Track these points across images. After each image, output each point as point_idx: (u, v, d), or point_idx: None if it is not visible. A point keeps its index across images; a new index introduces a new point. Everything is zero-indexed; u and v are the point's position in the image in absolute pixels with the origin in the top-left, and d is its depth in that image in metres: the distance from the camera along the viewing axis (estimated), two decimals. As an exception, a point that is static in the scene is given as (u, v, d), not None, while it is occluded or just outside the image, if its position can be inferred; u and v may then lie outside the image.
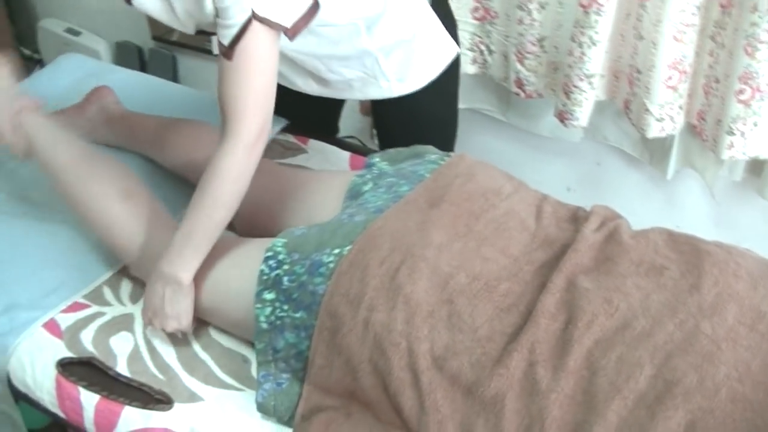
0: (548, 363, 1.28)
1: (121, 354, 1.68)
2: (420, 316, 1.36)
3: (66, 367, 1.66)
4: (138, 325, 1.74)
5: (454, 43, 2.03)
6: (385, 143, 2.12)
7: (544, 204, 1.61)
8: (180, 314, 1.64)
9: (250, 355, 1.67)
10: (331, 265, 1.45)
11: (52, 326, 1.72)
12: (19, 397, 1.71)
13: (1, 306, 1.76)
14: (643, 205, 2.69)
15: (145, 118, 2.16)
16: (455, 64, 2.04)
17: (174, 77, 3.50)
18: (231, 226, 1.83)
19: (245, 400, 1.59)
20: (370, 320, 1.38)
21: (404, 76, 1.94)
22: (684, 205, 2.67)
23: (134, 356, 1.67)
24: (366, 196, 1.68)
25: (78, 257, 1.88)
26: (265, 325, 1.50)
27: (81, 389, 1.62)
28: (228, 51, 1.50)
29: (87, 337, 1.71)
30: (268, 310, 1.50)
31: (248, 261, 1.58)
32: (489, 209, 1.55)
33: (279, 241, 1.55)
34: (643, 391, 1.22)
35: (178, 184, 2.03)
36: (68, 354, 1.67)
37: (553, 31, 2.40)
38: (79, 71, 2.56)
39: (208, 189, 1.58)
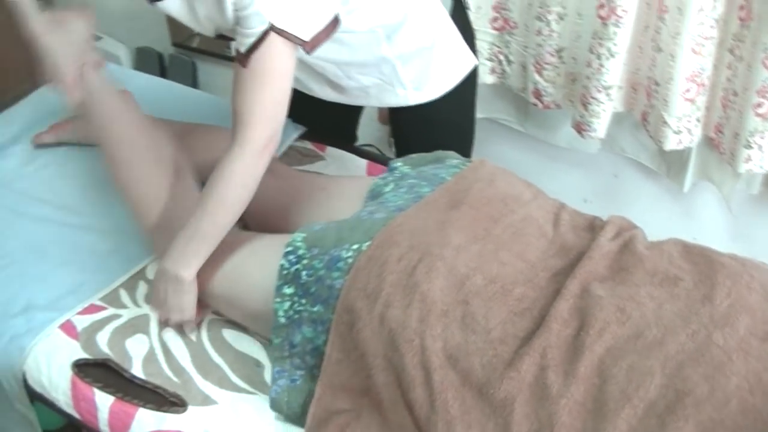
0: (559, 368, 1.28)
1: (137, 356, 1.69)
2: (434, 315, 1.36)
3: (81, 368, 1.67)
4: (153, 327, 1.75)
5: (472, 54, 2.03)
6: (402, 151, 2.13)
7: (562, 212, 1.61)
8: (183, 307, 1.67)
9: (264, 359, 1.68)
10: (350, 260, 1.46)
11: (68, 327, 1.74)
12: (35, 398, 1.73)
13: (19, 307, 1.77)
14: (660, 218, 2.68)
15: (164, 124, 2.18)
16: (473, 74, 2.05)
17: (194, 83, 3.52)
18: (246, 226, 1.85)
19: (258, 404, 1.59)
20: (385, 316, 1.38)
21: (421, 84, 1.95)
22: (701, 218, 2.67)
23: (149, 358, 1.69)
24: (387, 195, 1.70)
25: (95, 260, 1.89)
26: (283, 320, 1.51)
27: (96, 390, 1.63)
28: (244, 58, 1.52)
29: (103, 338, 1.72)
30: (287, 304, 1.51)
31: (269, 254, 1.59)
32: (508, 214, 1.56)
33: (299, 236, 1.56)
34: (654, 400, 1.22)
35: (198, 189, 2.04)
36: (84, 355, 1.69)
37: (571, 42, 2.40)
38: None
39: (213, 192, 1.60)
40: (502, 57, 2.60)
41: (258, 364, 1.68)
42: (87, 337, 1.72)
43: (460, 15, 2.04)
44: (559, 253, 1.50)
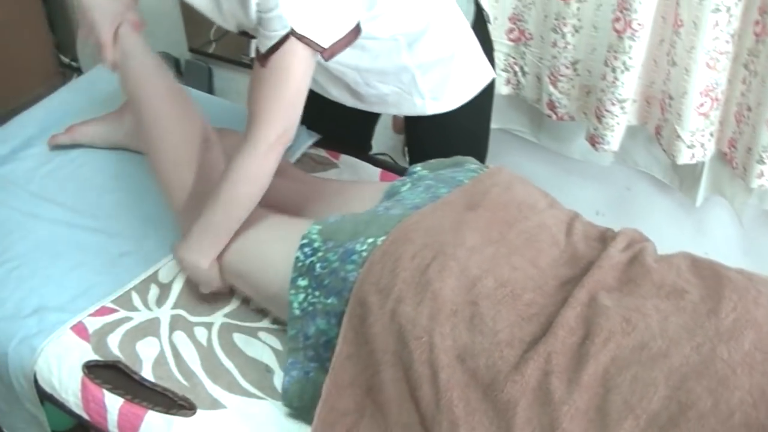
0: (563, 375, 1.29)
1: (147, 359, 1.70)
2: (444, 314, 1.37)
3: (92, 369, 1.68)
4: (164, 330, 1.75)
5: (491, 67, 2.04)
6: (417, 160, 2.12)
7: (575, 222, 1.62)
8: (210, 283, 1.75)
9: (273, 364, 1.69)
10: (364, 254, 1.47)
11: (80, 329, 1.74)
12: (45, 398, 1.74)
13: (31, 308, 1.78)
14: (672, 231, 2.68)
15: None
16: (491, 86, 2.05)
17: (210, 89, 3.53)
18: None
19: (267, 409, 1.60)
20: (396, 312, 1.39)
21: (439, 95, 1.95)
22: (713, 233, 2.66)
23: (159, 361, 1.69)
24: (403, 194, 1.70)
25: (107, 262, 1.90)
26: (297, 312, 1.52)
27: (106, 392, 1.64)
28: (263, 58, 1.54)
29: (114, 341, 1.73)
30: (302, 296, 1.52)
31: (289, 237, 1.60)
32: (522, 220, 1.57)
33: (314, 228, 1.57)
34: (657, 411, 1.22)
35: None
36: (95, 357, 1.70)
37: (586, 55, 2.40)
38: (117, 81, 2.58)
39: (224, 186, 1.64)
40: (517, 68, 2.61)
41: (268, 369, 1.68)
42: (98, 339, 1.73)
43: (480, 27, 2.04)
44: (570, 262, 1.50)
